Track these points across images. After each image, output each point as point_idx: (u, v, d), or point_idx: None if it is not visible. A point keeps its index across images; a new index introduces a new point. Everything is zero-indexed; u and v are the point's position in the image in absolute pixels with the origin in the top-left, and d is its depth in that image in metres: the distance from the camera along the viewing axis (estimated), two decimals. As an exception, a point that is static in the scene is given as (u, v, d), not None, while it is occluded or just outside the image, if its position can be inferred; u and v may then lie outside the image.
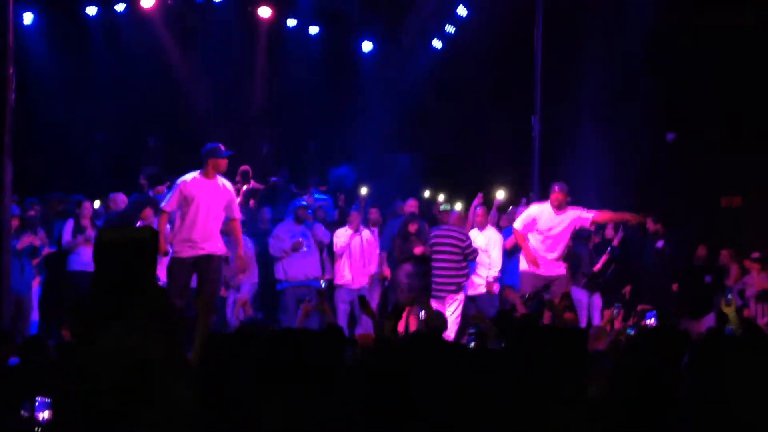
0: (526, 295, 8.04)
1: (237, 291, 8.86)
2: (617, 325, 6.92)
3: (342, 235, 9.32)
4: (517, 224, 8.32)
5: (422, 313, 5.71)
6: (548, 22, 11.13)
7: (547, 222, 8.14)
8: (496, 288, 9.01)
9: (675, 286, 9.76)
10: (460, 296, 8.83)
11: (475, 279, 9.09)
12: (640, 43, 11.35)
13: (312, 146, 13.29)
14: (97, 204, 9.56)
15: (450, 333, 8.32)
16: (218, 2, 12.78)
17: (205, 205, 6.97)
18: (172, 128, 12.62)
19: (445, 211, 9.20)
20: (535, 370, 2.20)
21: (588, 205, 8.77)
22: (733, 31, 11.27)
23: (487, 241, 9.16)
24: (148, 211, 8.24)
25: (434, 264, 8.78)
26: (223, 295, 8.69)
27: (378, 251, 9.49)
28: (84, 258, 8.45)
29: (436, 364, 1.70)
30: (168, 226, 7.36)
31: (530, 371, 2.20)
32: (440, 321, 5.66)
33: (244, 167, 11.20)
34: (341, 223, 9.69)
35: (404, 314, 5.25)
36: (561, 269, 8.30)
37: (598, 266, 9.51)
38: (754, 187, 11.58)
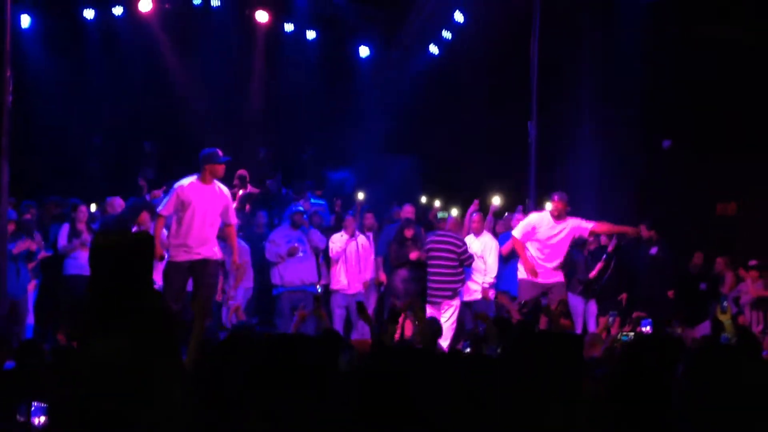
0: (523, 302, 8.05)
1: (233, 298, 8.86)
2: (613, 332, 6.93)
3: (338, 241, 9.32)
4: (516, 232, 8.33)
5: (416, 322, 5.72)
6: (545, 29, 11.16)
7: (546, 231, 8.16)
8: (491, 294, 9.02)
9: (670, 293, 9.77)
10: (456, 302, 8.84)
11: (470, 285, 9.10)
12: (636, 50, 11.38)
13: (308, 151, 13.30)
14: (93, 208, 9.55)
15: (446, 339, 8.33)
16: (215, 7, 12.79)
17: (201, 210, 6.97)
18: (169, 132, 12.62)
19: (442, 219, 9.23)
20: (531, 375, 2.21)
21: (584, 212, 8.80)
22: (730, 43, 11.33)
23: (483, 247, 9.18)
24: (145, 216, 8.23)
25: (430, 270, 8.79)
26: (219, 300, 8.69)
27: (373, 256, 9.50)
28: (80, 262, 8.44)
29: (433, 370, 1.71)
30: (164, 230, 7.35)
31: (526, 376, 2.21)
32: (434, 327, 5.66)
33: (242, 171, 11.21)
34: (337, 229, 9.70)
35: (400, 319, 5.25)
36: (559, 277, 8.32)
37: (593, 273, 9.53)
38: (749, 194, 11.61)
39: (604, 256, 9.57)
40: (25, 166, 10.14)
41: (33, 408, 3.59)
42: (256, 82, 13.53)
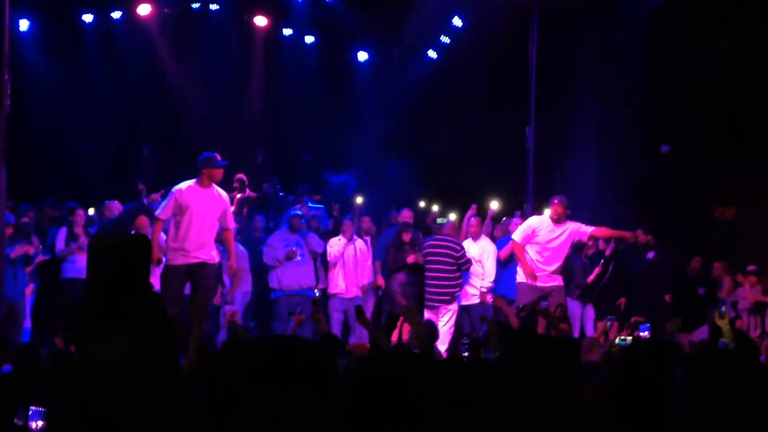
0: (521, 306, 8.05)
1: (231, 303, 8.84)
2: (611, 336, 6.94)
3: (336, 245, 9.32)
4: (516, 236, 8.32)
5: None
6: (545, 31, 11.19)
7: (546, 234, 8.16)
8: (489, 298, 9.02)
9: (667, 297, 9.77)
10: (454, 306, 8.84)
11: (468, 289, 9.10)
12: (636, 54, 11.40)
13: (306, 155, 13.30)
14: (91, 211, 9.55)
15: (443, 343, 8.33)
16: (214, 11, 12.80)
17: (199, 214, 6.97)
18: (168, 136, 12.63)
19: (441, 225, 9.23)
20: (529, 379, 2.21)
21: (582, 216, 8.80)
22: (728, 51, 11.35)
23: (481, 252, 9.18)
24: (143, 219, 8.23)
25: (428, 274, 8.79)
26: (217, 303, 8.68)
27: (371, 260, 9.50)
28: (77, 265, 8.43)
29: (430, 373, 1.71)
30: (162, 234, 7.35)
31: (524, 380, 2.21)
32: (431, 331, 5.66)
33: (240, 175, 11.22)
34: (335, 233, 9.70)
35: (398, 323, 5.25)
36: (558, 281, 8.31)
37: (591, 277, 9.53)
38: (747, 199, 11.62)
39: (602, 261, 9.57)
40: (23, 169, 10.14)
41: (31, 412, 3.58)
42: (254, 86, 13.54)
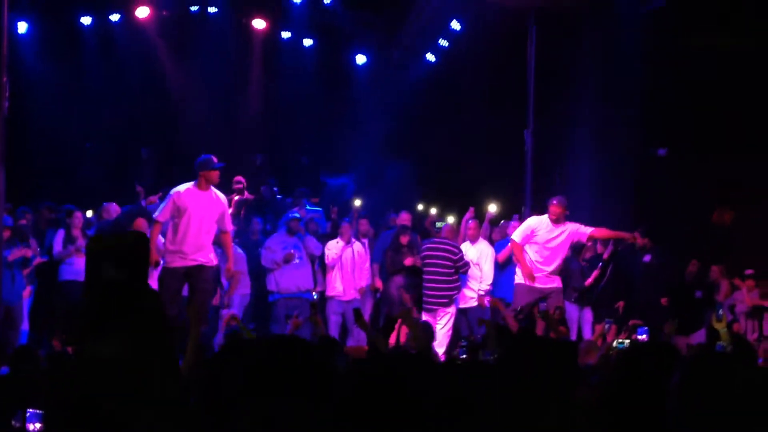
0: (519, 308, 8.05)
1: (229, 307, 8.82)
2: (608, 339, 6.94)
3: (333, 248, 9.32)
4: (516, 236, 8.31)
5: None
6: (543, 35, 11.20)
7: (545, 234, 8.16)
8: (487, 301, 9.02)
9: (664, 300, 9.77)
10: (452, 309, 8.84)
11: (466, 292, 9.10)
12: (635, 57, 11.41)
13: (305, 158, 13.31)
14: (90, 214, 9.54)
15: (441, 346, 8.33)
16: (213, 13, 12.80)
17: (197, 217, 6.98)
18: (166, 139, 12.62)
19: (439, 229, 9.23)
20: (526, 381, 2.21)
21: (581, 219, 8.80)
22: (728, 50, 11.36)
23: (478, 255, 9.19)
24: (141, 222, 8.23)
25: (426, 277, 8.79)
26: (216, 305, 8.67)
27: (369, 263, 9.49)
28: (75, 268, 8.43)
29: (428, 373, 1.71)
30: (160, 237, 7.35)
31: (521, 382, 2.21)
32: (428, 332, 5.68)
33: (239, 178, 11.21)
34: (333, 236, 9.70)
35: (396, 326, 5.26)
36: (556, 282, 8.30)
37: (589, 280, 9.53)
38: (745, 202, 11.63)
39: (600, 264, 9.58)
40: (21, 171, 10.12)
41: (28, 414, 3.58)
42: (253, 89, 13.54)
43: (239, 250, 9.10)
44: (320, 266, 9.48)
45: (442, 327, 8.65)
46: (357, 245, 9.42)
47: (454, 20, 12.40)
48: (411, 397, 1.61)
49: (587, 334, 9.27)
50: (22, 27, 11.96)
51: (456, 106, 12.74)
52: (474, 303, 9.12)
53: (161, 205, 7.21)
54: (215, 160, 7.07)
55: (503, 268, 9.28)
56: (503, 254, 9.30)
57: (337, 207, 11.10)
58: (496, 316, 8.73)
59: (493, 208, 10.02)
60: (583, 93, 11.98)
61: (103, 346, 1.95)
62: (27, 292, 8.68)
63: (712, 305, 9.66)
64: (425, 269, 8.78)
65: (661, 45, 11.33)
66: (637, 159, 11.84)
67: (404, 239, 9.12)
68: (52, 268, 8.67)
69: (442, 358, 7.22)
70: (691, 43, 11.53)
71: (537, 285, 8.12)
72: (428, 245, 8.91)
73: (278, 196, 11.61)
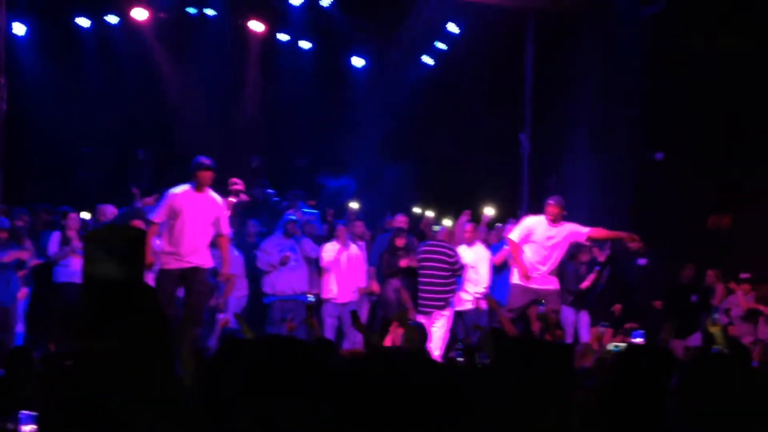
0: (515, 309, 8.05)
1: (224, 309, 8.80)
2: (605, 342, 6.95)
3: (330, 250, 9.32)
4: (513, 235, 8.29)
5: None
6: (541, 37, 11.23)
7: (542, 234, 8.15)
8: (483, 304, 9.02)
9: (658, 303, 9.76)
10: (448, 312, 8.83)
11: (462, 295, 9.10)
12: (634, 61, 11.43)
13: (302, 160, 13.31)
14: (87, 216, 9.53)
15: (437, 349, 8.33)
16: (211, 16, 12.81)
17: (192, 219, 6.97)
18: (164, 141, 12.62)
19: (437, 232, 9.23)
20: (522, 383, 2.21)
21: (578, 222, 8.79)
22: (727, 53, 11.38)
23: (475, 258, 9.19)
24: (137, 224, 8.22)
25: (422, 279, 8.78)
26: (214, 305, 8.66)
27: (365, 265, 9.49)
28: (71, 269, 8.42)
29: (424, 371, 1.71)
30: (156, 238, 7.34)
31: (517, 384, 2.21)
32: (422, 332, 5.68)
33: (235, 180, 11.20)
34: (329, 238, 9.69)
35: (391, 328, 5.26)
36: (552, 284, 8.28)
37: (586, 284, 9.52)
38: (741, 207, 11.65)
39: (597, 268, 9.58)
40: (18, 173, 10.10)
41: (22, 416, 3.57)
42: (250, 91, 13.54)
43: (236, 252, 9.09)
44: (316, 268, 9.47)
45: (438, 330, 8.64)
46: (353, 248, 9.41)
47: (453, 23, 12.42)
48: (409, 394, 1.61)
49: (584, 338, 9.27)
50: (20, 29, 11.95)
51: (454, 109, 12.76)
52: (470, 306, 9.12)
53: (157, 206, 7.21)
54: (209, 161, 7.07)
55: (499, 271, 9.28)
56: (500, 256, 9.30)
57: (334, 209, 11.10)
58: (492, 317, 8.74)
59: (489, 211, 10.02)
60: (582, 95, 12.00)
61: (102, 345, 1.95)
62: (23, 293, 8.66)
63: (708, 309, 9.68)
64: (421, 272, 8.78)
65: (660, 46, 11.35)
66: (635, 161, 11.84)
67: (400, 242, 9.12)
68: (48, 270, 8.65)
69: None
70: (691, 44, 11.55)
71: (533, 285, 8.11)
72: (424, 248, 8.91)
73: (274, 198, 11.60)
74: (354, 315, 5.59)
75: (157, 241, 7.34)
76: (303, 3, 12.64)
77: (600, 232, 8.41)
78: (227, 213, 7.72)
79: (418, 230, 10.26)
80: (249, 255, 9.44)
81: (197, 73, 12.84)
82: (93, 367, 1.98)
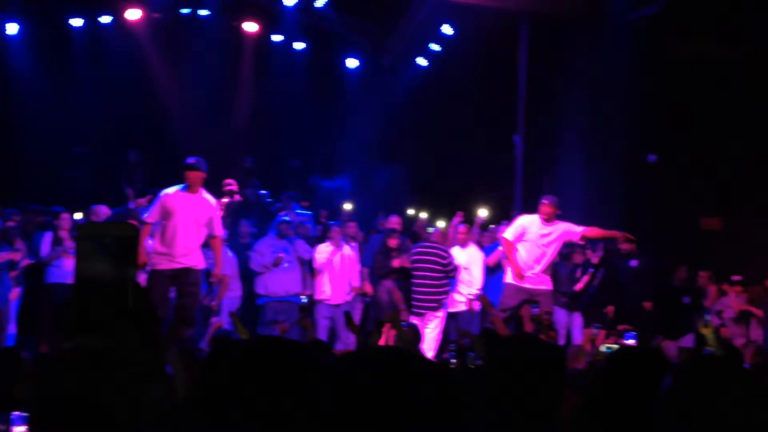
0: (508, 308, 8.05)
1: (218, 311, 8.78)
2: (597, 344, 6.96)
3: (323, 251, 9.31)
4: (507, 234, 8.30)
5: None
6: (533, 43, 11.24)
7: (536, 233, 8.16)
8: (476, 306, 9.03)
9: (647, 305, 9.78)
10: (441, 313, 8.83)
11: (456, 296, 9.10)
12: (624, 64, 11.47)
13: (296, 161, 13.30)
14: (79, 216, 9.50)
15: (430, 350, 8.33)
16: (204, 16, 12.79)
17: (184, 220, 6.95)
18: (156, 141, 12.59)
19: (430, 234, 9.23)
20: (513, 383, 2.21)
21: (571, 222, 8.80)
22: (719, 58, 11.43)
23: (468, 259, 9.19)
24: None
25: (415, 281, 8.78)
26: (207, 305, 8.64)
27: (358, 267, 9.48)
28: (63, 270, 8.39)
29: (419, 368, 1.72)
30: (148, 239, 7.32)
31: (508, 384, 2.21)
32: (415, 333, 5.68)
33: (229, 181, 11.19)
34: (322, 239, 9.69)
35: (384, 330, 5.26)
36: (545, 284, 8.30)
37: (580, 285, 9.54)
38: (732, 210, 11.71)
39: (590, 269, 9.60)
40: (10, 173, 10.09)
41: (13, 417, 3.56)
42: (244, 92, 13.53)
43: (230, 253, 9.07)
44: (309, 270, 9.47)
45: (431, 331, 8.64)
46: (347, 249, 9.41)
47: (446, 25, 12.44)
48: (402, 395, 1.61)
49: (577, 339, 9.29)
50: (13, 29, 11.92)
51: (447, 110, 12.78)
52: (463, 307, 9.13)
53: (150, 206, 7.19)
54: (199, 161, 7.05)
55: (493, 273, 9.29)
56: (493, 257, 9.31)
57: (327, 210, 11.09)
58: (485, 319, 8.74)
59: (483, 212, 10.03)
60: (575, 97, 12.03)
61: (92, 344, 1.94)
62: (15, 294, 8.63)
63: (700, 311, 9.71)
64: (414, 273, 8.78)
65: (652, 50, 11.39)
66: (628, 163, 11.88)
67: (393, 242, 9.12)
68: (39, 271, 8.62)
69: (431, 363, 7.21)
70: (682, 48, 11.60)
71: (526, 285, 8.11)
72: (417, 249, 8.91)
73: (268, 200, 11.59)
74: (347, 316, 5.58)
75: (150, 242, 7.32)
76: (297, 4, 12.64)
77: (594, 232, 8.42)
78: (220, 214, 7.71)
79: (412, 232, 10.27)
80: (242, 256, 9.43)
81: (191, 74, 12.82)
82: (84, 367, 1.98)
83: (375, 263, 9.26)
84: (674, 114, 11.55)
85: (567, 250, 9.22)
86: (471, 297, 9.07)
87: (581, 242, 8.83)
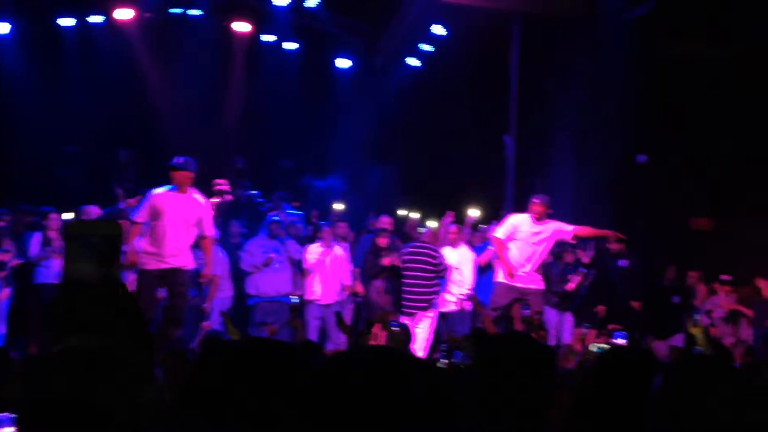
0: (499, 307, 8.06)
1: (209, 313, 8.74)
2: (587, 343, 6.97)
3: (314, 252, 9.30)
4: (498, 232, 8.32)
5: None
6: (525, 43, 11.26)
7: (527, 231, 8.18)
8: (467, 306, 9.04)
9: (636, 304, 9.81)
10: (432, 313, 8.84)
11: (446, 296, 9.11)
12: (616, 64, 11.50)
13: (287, 162, 13.29)
14: (69, 216, 9.46)
15: (420, 350, 8.33)
16: (196, 16, 12.76)
17: (173, 220, 6.91)
18: (147, 141, 12.56)
19: (421, 234, 9.23)
20: (503, 381, 2.21)
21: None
22: (710, 58, 11.47)
23: (459, 259, 9.20)
24: (121, 225, 8.16)
25: (406, 281, 8.78)
26: (199, 306, 8.61)
27: (349, 267, 9.48)
28: (52, 270, 8.35)
29: (410, 367, 1.72)
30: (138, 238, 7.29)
31: (498, 382, 2.21)
32: (406, 332, 5.68)
33: (220, 181, 11.16)
34: (313, 239, 9.67)
35: (375, 330, 5.26)
36: (536, 283, 8.31)
37: (571, 285, 9.56)
38: (723, 210, 11.75)
39: (582, 269, 9.62)
40: (0, 173, 10.04)
41: (1, 418, 3.53)
42: (235, 92, 13.50)
43: (221, 253, 9.05)
44: (299, 270, 9.46)
45: (422, 331, 8.64)
46: (337, 249, 9.40)
47: (438, 25, 12.45)
48: (393, 394, 1.60)
49: (567, 339, 9.31)
50: (4, 28, 11.86)
51: (439, 110, 12.80)
52: (454, 307, 9.13)
53: (139, 207, 7.16)
54: (186, 161, 7.01)
55: (483, 272, 9.30)
56: (485, 257, 9.32)
57: (318, 210, 11.08)
58: (476, 319, 8.75)
59: (474, 212, 10.04)
60: (567, 97, 12.05)
61: (79, 344, 1.93)
62: (4, 294, 8.59)
63: (690, 310, 9.75)
64: (405, 273, 8.78)
65: (644, 50, 11.43)
66: (619, 163, 11.92)
67: (383, 241, 9.12)
68: (29, 271, 8.58)
69: (422, 363, 7.21)
70: (673, 48, 11.64)
71: (517, 284, 8.13)
72: (408, 249, 8.91)
73: (259, 200, 11.56)
74: (338, 316, 5.59)
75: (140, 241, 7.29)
76: (289, 4, 12.62)
77: (585, 231, 8.46)
78: (211, 214, 7.68)
79: (403, 232, 10.28)
80: (233, 256, 9.41)
81: (182, 74, 12.79)
82: (73, 367, 1.97)
83: (365, 263, 9.25)
84: (665, 114, 11.59)
85: (558, 249, 9.24)
86: (462, 297, 9.08)
87: (572, 241, 8.86)
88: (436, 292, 8.86)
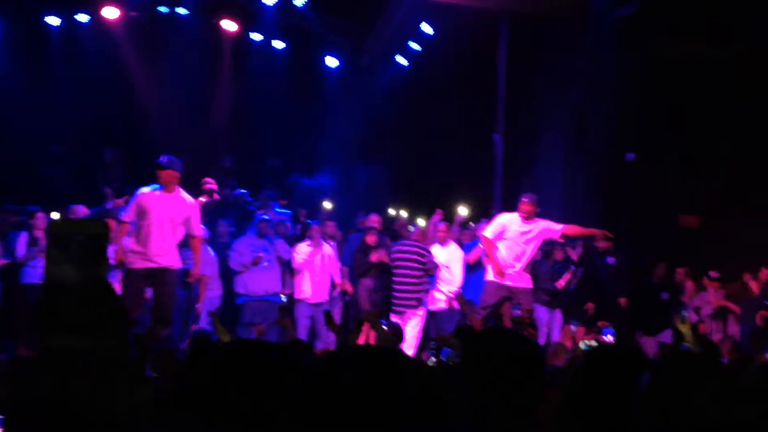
0: (489, 306, 8.08)
1: (198, 315, 8.71)
2: (577, 341, 7.00)
3: (303, 251, 9.29)
4: (487, 232, 8.35)
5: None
6: (513, 42, 11.27)
7: (516, 230, 8.21)
8: (456, 304, 9.05)
9: (623, 301, 9.86)
10: (421, 312, 8.84)
11: (436, 294, 9.12)
12: (606, 63, 11.53)
13: (275, 161, 13.26)
14: (56, 216, 9.40)
15: (410, 348, 8.34)
16: (183, 15, 12.72)
17: (160, 219, 6.89)
18: (134, 141, 12.50)
19: (411, 232, 9.24)
20: (492, 378, 2.21)
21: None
22: (699, 57, 11.51)
23: (448, 257, 9.21)
24: (110, 224, 8.12)
25: (395, 279, 8.79)
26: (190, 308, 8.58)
27: (338, 265, 9.47)
28: (39, 270, 8.30)
29: (401, 365, 1.72)
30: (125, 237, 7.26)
31: (486, 379, 2.21)
32: (397, 331, 5.68)
33: (208, 180, 11.11)
34: (301, 238, 9.66)
35: (364, 328, 5.26)
36: (525, 282, 8.34)
37: (561, 283, 9.59)
38: (713, 208, 11.81)
39: (572, 267, 9.65)
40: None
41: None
42: (223, 91, 13.47)
43: (211, 253, 9.02)
44: (288, 269, 9.44)
45: (411, 329, 8.65)
46: (326, 247, 9.39)
47: (426, 24, 12.45)
48: (384, 393, 1.60)
49: (557, 337, 9.34)
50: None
51: (427, 109, 12.80)
52: (443, 305, 9.14)
53: (127, 206, 7.14)
54: (171, 160, 6.98)
55: (473, 270, 9.31)
56: (474, 255, 9.34)
57: (306, 209, 11.07)
58: (465, 317, 8.76)
59: (463, 210, 10.06)
60: (555, 96, 12.08)
61: (64, 344, 1.92)
62: (-7, 294, 8.54)
63: (678, 307, 9.80)
64: (394, 271, 8.79)
65: (633, 49, 11.47)
66: (607, 161, 11.96)
67: (371, 239, 9.12)
68: (15, 271, 8.53)
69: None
70: (663, 48, 11.68)
71: (507, 283, 8.15)
72: (398, 248, 8.92)
73: (248, 198, 11.53)
74: (327, 315, 5.57)
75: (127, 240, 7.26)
76: (276, 3, 12.60)
77: (573, 229, 8.50)
78: (199, 213, 7.66)
79: (392, 230, 10.28)
80: (222, 255, 9.39)
81: (169, 73, 12.74)
82: (60, 368, 1.96)
83: (354, 261, 9.25)
84: (654, 113, 11.63)
85: (547, 247, 9.27)
86: (451, 295, 9.09)
87: (561, 240, 8.89)
88: (426, 291, 8.87)
